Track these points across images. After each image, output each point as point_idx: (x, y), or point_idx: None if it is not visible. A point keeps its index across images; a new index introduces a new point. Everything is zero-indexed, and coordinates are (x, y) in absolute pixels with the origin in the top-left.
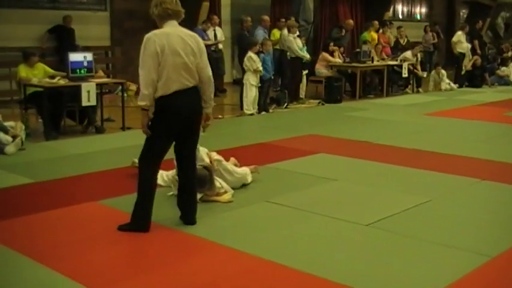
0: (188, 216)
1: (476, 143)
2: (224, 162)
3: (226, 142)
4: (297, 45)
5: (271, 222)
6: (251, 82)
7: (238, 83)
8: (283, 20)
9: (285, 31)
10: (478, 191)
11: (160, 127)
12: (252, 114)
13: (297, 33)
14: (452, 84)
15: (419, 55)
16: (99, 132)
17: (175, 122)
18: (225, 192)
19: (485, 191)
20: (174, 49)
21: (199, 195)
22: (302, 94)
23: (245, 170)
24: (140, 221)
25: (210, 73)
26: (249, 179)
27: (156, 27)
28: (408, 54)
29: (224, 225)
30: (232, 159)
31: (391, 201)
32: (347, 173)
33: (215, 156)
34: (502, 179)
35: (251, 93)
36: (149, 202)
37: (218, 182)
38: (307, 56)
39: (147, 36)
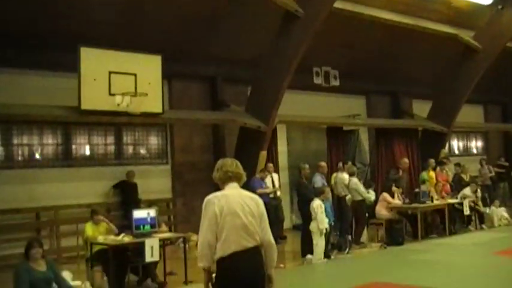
0: None
1: None
2: None
3: None
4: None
5: None
6: (318, 230)
7: (298, 228)
8: (341, 164)
9: (345, 175)
10: None
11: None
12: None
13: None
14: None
15: (479, 190)
16: (162, 287)
17: (237, 284)
18: None
19: None
20: (233, 210)
21: None
22: (363, 238)
23: None
24: None
25: (271, 238)
26: None
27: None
28: (467, 191)
29: None
30: None
31: None
32: None
33: None
34: None
35: (321, 242)
36: None
37: None
38: (372, 197)
39: (207, 198)
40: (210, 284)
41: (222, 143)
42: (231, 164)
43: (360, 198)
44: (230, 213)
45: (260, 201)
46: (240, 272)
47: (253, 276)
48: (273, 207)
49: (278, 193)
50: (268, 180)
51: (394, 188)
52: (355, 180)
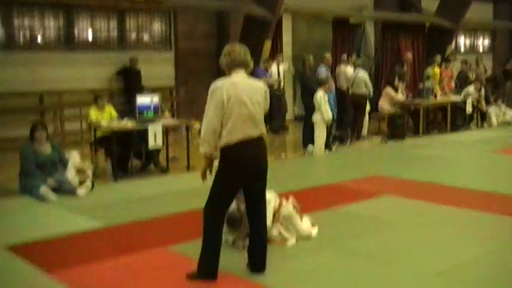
0: (258, 264)
1: None
2: (294, 221)
3: (292, 184)
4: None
5: (341, 272)
6: (321, 121)
7: (300, 119)
8: (345, 56)
9: (348, 68)
10: None
11: (226, 176)
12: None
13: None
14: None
15: (483, 89)
16: (165, 172)
17: (241, 172)
18: (285, 240)
19: None
20: (241, 99)
21: (231, 238)
22: (364, 131)
23: (309, 230)
24: (208, 270)
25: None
26: (314, 233)
27: (217, 66)
28: (471, 89)
29: (293, 274)
30: (291, 200)
31: (460, 247)
32: (414, 217)
33: (290, 208)
34: None
35: (323, 133)
36: (216, 250)
37: (277, 229)
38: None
39: (215, 84)
40: (208, 171)
41: (226, 31)
42: (239, 51)
43: (363, 91)
44: (238, 102)
45: (267, 89)
46: (245, 160)
47: (257, 164)
48: (276, 98)
49: (282, 83)
50: (274, 69)
51: (397, 83)
52: (362, 72)
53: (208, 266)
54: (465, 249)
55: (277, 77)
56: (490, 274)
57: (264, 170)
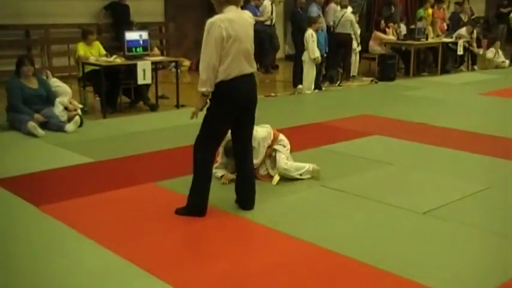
0: (246, 201)
1: None
2: (283, 156)
3: (281, 122)
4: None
5: (327, 209)
6: (309, 60)
7: (291, 58)
8: None
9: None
10: None
11: (219, 112)
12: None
13: (350, 9)
14: (505, 60)
15: (475, 31)
16: (153, 110)
17: (234, 107)
18: (271, 176)
19: None
20: (238, 35)
21: (219, 172)
22: (355, 71)
23: (300, 170)
24: (197, 205)
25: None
26: (305, 176)
27: (207, 2)
28: (463, 31)
29: (280, 210)
30: (281, 139)
31: (448, 188)
32: (402, 157)
33: (280, 142)
34: None
35: (312, 72)
36: (206, 187)
37: (266, 167)
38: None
39: (211, 21)
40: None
41: None
42: None
43: (348, 31)
44: (236, 39)
45: (253, 24)
46: (238, 94)
47: (249, 99)
48: (267, 36)
49: (273, 22)
50: (268, 7)
51: (383, 25)
52: (349, 12)
53: (197, 202)
54: (452, 189)
55: (270, 14)
56: (476, 213)
57: (254, 106)
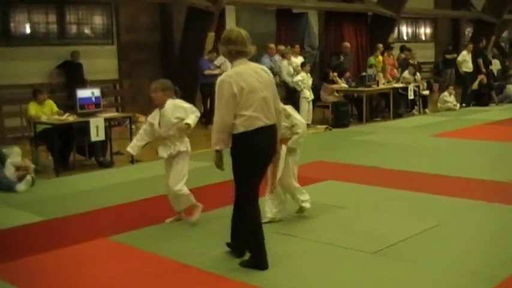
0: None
1: (483, 163)
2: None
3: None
4: (288, 71)
5: (280, 254)
6: None
7: None
8: (282, 47)
9: (277, 56)
10: (486, 214)
11: (248, 162)
12: None
13: (300, 59)
14: (456, 103)
15: (418, 74)
16: (108, 167)
17: (259, 157)
18: None
19: (493, 213)
20: (252, 86)
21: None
22: (309, 120)
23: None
24: (261, 260)
25: (281, 104)
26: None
27: (161, 59)
28: (406, 73)
29: (228, 256)
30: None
31: (399, 227)
32: (354, 200)
33: None
34: (510, 200)
35: None
36: (262, 238)
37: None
38: (300, 86)
39: (220, 79)
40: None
41: (169, 23)
42: (236, 39)
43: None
44: (250, 91)
45: (269, 71)
46: (262, 146)
47: (271, 151)
48: None
49: None
50: (220, 60)
51: (333, 75)
52: (284, 62)
53: (260, 256)
54: (402, 228)
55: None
56: (425, 250)
57: (273, 155)
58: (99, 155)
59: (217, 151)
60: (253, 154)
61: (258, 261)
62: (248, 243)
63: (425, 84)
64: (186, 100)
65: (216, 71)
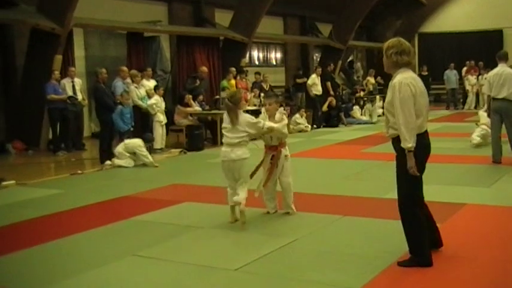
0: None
1: (336, 180)
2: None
3: (88, 198)
4: (137, 95)
5: (139, 278)
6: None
7: (97, 136)
8: (134, 71)
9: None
10: (341, 227)
11: (418, 163)
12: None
13: (153, 82)
14: (307, 125)
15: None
16: None
17: (425, 158)
18: None
19: (348, 226)
20: (422, 91)
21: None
22: (162, 144)
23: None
24: (427, 258)
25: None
26: None
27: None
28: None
29: (90, 284)
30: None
31: (258, 243)
32: (212, 220)
33: None
34: (362, 213)
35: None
36: (427, 237)
37: None
38: (154, 109)
39: (399, 81)
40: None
41: (10, 45)
42: (409, 51)
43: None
44: (422, 95)
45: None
46: (428, 147)
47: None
48: (73, 115)
49: (80, 97)
50: (68, 85)
51: (187, 98)
52: (132, 87)
53: (427, 254)
54: (262, 244)
55: (71, 92)
56: (285, 264)
57: None
58: None
59: (409, 151)
60: (423, 155)
61: (421, 260)
62: (413, 243)
63: None
64: (32, 125)
65: (64, 96)
